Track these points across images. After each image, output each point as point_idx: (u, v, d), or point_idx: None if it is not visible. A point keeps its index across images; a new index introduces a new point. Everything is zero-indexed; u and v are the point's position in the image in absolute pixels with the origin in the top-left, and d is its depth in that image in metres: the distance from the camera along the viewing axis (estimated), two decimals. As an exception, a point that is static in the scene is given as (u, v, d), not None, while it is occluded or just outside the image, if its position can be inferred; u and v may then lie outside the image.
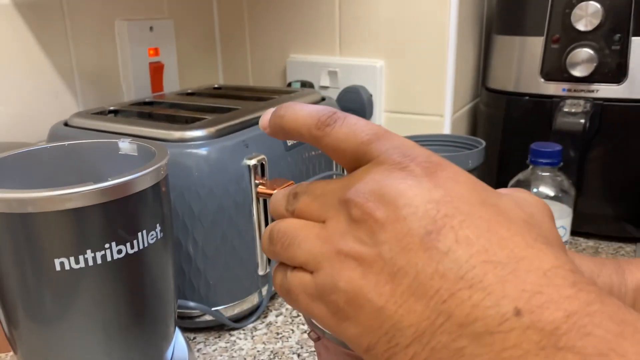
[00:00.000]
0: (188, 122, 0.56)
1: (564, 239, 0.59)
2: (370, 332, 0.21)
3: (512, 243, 0.20)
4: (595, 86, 0.69)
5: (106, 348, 0.39)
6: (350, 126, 0.24)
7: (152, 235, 0.38)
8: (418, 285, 0.20)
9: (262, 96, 0.70)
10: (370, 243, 0.21)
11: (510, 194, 0.24)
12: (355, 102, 0.80)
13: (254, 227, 0.56)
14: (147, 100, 0.70)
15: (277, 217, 0.27)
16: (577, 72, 0.69)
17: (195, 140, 0.53)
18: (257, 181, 0.55)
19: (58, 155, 0.43)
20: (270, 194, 0.54)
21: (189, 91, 0.76)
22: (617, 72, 0.67)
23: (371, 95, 0.81)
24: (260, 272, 0.58)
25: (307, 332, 0.28)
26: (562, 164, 0.59)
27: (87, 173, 0.43)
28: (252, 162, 0.54)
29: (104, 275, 0.36)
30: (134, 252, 0.37)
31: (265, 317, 0.59)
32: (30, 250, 0.34)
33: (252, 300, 0.58)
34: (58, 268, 0.34)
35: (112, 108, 0.64)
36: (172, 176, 0.51)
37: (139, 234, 0.37)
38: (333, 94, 0.82)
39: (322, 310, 0.22)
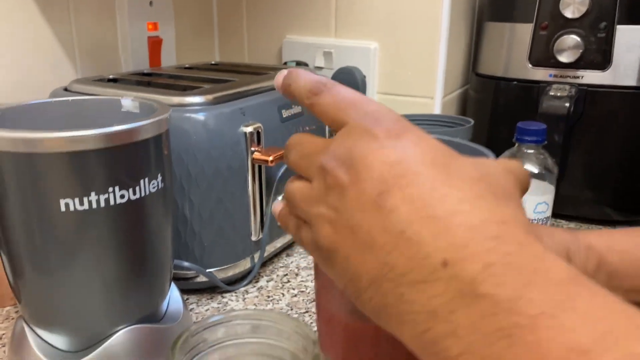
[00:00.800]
0: (186, 90, 0.58)
1: (545, 215, 0.62)
2: (342, 277, 0.25)
3: (450, 199, 0.22)
4: (580, 72, 0.71)
5: (105, 297, 0.40)
6: (333, 95, 0.27)
7: (154, 184, 0.40)
8: (369, 240, 0.23)
9: (257, 72, 0.72)
10: (338, 205, 0.24)
11: (474, 159, 0.25)
12: (349, 83, 0.82)
13: (248, 193, 0.58)
14: (145, 71, 0.71)
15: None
16: (563, 58, 0.71)
17: (194, 106, 0.55)
18: (252, 148, 0.57)
19: (62, 110, 0.45)
20: (266, 161, 0.56)
21: (187, 66, 0.77)
22: (602, 59, 0.70)
23: (365, 77, 0.83)
24: (253, 238, 0.60)
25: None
26: (546, 142, 0.61)
27: (90, 127, 0.45)
28: (249, 129, 0.56)
29: (106, 218, 0.37)
30: (136, 199, 0.38)
31: (257, 281, 0.61)
32: (36, 190, 0.35)
33: (245, 264, 0.60)
34: (63, 209, 0.36)
35: (111, 77, 0.66)
36: (171, 139, 0.53)
37: (141, 181, 0.38)
38: (327, 75, 0.84)
39: (318, 257, 0.27)
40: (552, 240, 0.31)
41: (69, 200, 0.36)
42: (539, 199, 0.60)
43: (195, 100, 0.55)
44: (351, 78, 0.82)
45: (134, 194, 0.38)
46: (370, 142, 0.24)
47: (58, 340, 0.41)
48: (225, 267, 0.58)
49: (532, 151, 0.61)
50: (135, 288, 0.42)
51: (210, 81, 0.64)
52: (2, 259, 0.41)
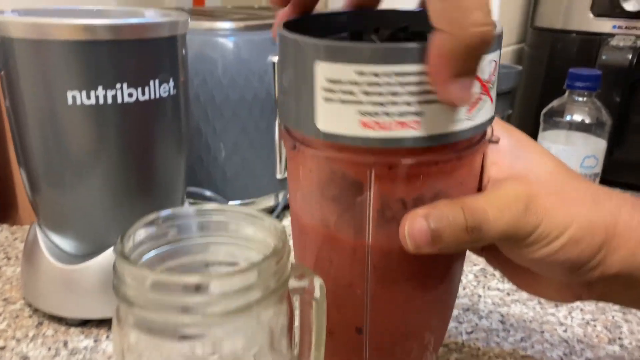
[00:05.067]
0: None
1: (594, 170, 0.57)
2: None
3: None
4: (648, 23, 0.65)
5: (113, 204, 0.40)
6: None
7: (165, 88, 0.38)
8: None
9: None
10: None
11: None
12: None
13: (274, 126, 0.56)
14: (186, 7, 0.71)
15: None
16: (630, 7, 0.65)
17: (223, 31, 0.53)
18: (281, 79, 0.55)
19: (87, 16, 0.44)
20: (293, 92, 0.54)
21: (229, 7, 0.76)
22: (674, 8, 0.63)
23: (411, 26, 0.79)
24: (278, 176, 0.59)
25: (292, 147, 0.27)
26: (599, 91, 0.56)
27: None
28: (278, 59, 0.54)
29: (114, 117, 0.37)
30: (145, 101, 0.37)
31: (280, 220, 0.60)
32: (45, 80, 0.35)
33: (268, 201, 0.59)
34: (70, 102, 0.35)
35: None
36: (197, 63, 0.52)
37: (151, 81, 0.37)
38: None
39: None
40: (596, 209, 0.26)
41: (76, 93, 0.35)
42: (587, 151, 0.56)
43: (225, 26, 0.54)
44: (397, 27, 0.78)
45: (143, 94, 0.37)
46: None
47: (68, 245, 0.41)
48: (247, 201, 0.57)
49: (583, 99, 0.56)
50: (142, 200, 0.41)
51: (248, 16, 0.62)
52: (20, 167, 0.41)
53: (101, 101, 0.36)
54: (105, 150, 0.38)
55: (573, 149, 0.56)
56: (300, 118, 0.24)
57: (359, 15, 0.30)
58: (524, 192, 0.25)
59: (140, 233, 0.25)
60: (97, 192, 0.39)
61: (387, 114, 0.22)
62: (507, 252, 0.27)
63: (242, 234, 0.27)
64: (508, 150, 0.27)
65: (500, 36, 0.24)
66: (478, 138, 0.25)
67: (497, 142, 0.26)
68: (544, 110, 0.60)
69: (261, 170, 0.57)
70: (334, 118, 0.22)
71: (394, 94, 0.21)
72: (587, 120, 0.56)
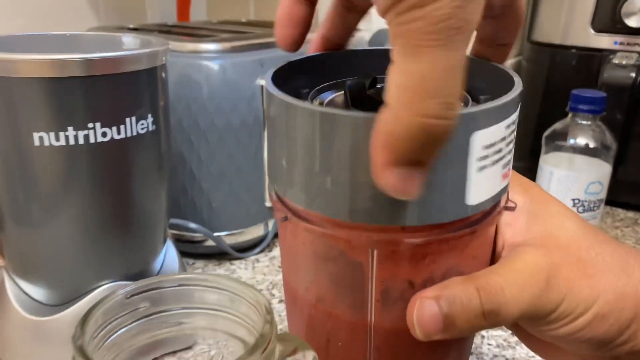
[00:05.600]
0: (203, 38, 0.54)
1: (599, 197, 0.54)
2: None
3: None
4: (651, 40, 0.63)
5: (86, 249, 0.37)
6: None
7: (143, 125, 0.35)
8: None
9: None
10: None
11: None
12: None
13: (264, 151, 0.53)
14: (169, 23, 0.68)
15: None
16: (632, 23, 0.63)
17: (209, 53, 0.50)
18: (270, 104, 0.52)
19: (59, 44, 0.41)
20: (283, 117, 0.51)
21: (215, 21, 0.73)
22: (678, 24, 0.61)
23: (405, 41, 0.76)
24: (267, 204, 0.55)
25: (282, 218, 0.24)
26: (604, 114, 0.54)
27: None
28: (267, 81, 0.51)
29: (86, 158, 0.33)
30: (121, 139, 0.34)
31: (270, 251, 0.57)
32: (9, 121, 0.32)
33: (257, 231, 0.55)
34: (37, 143, 0.32)
35: (131, 26, 0.62)
36: (180, 88, 0.49)
37: (127, 119, 0.34)
38: (366, 37, 0.78)
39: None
40: (626, 279, 0.23)
41: (44, 134, 0.32)
42: (592, 177, 0.53)
43: (211, 48, 0.51)
44: (390, 41, 0.76)
45: (118, 133, 0.34)
46: None
47: (38, 293, 0.38)
48: (235, 232, 0.54)
49: (587, 122, 0.54)
50: (120, 242, 0.38)
51: (233, 33, 0.59)
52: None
53: (72, 142, 0.32)
54: (77, 191, 0.35)
55: (577, 174, 0.53)
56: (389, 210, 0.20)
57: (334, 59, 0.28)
58: (544, 262, 0.22)
59: (105, 311, 0.22)
60: (69, 236, 0.36)
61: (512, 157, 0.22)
62: (526, 327, 0.24)
63: (222, 304, 0.24)
64: (524, 210, 0.24)
65: (518, 96, 0.21)
66: (492, 207, 0.22)
67: (513, 209, 0.23)
68: (546, 133, 0.57)
69: (249, 198, 0.54)
70: (486, 183, 0.21)
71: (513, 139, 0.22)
72: (592, 144, 0.54)
